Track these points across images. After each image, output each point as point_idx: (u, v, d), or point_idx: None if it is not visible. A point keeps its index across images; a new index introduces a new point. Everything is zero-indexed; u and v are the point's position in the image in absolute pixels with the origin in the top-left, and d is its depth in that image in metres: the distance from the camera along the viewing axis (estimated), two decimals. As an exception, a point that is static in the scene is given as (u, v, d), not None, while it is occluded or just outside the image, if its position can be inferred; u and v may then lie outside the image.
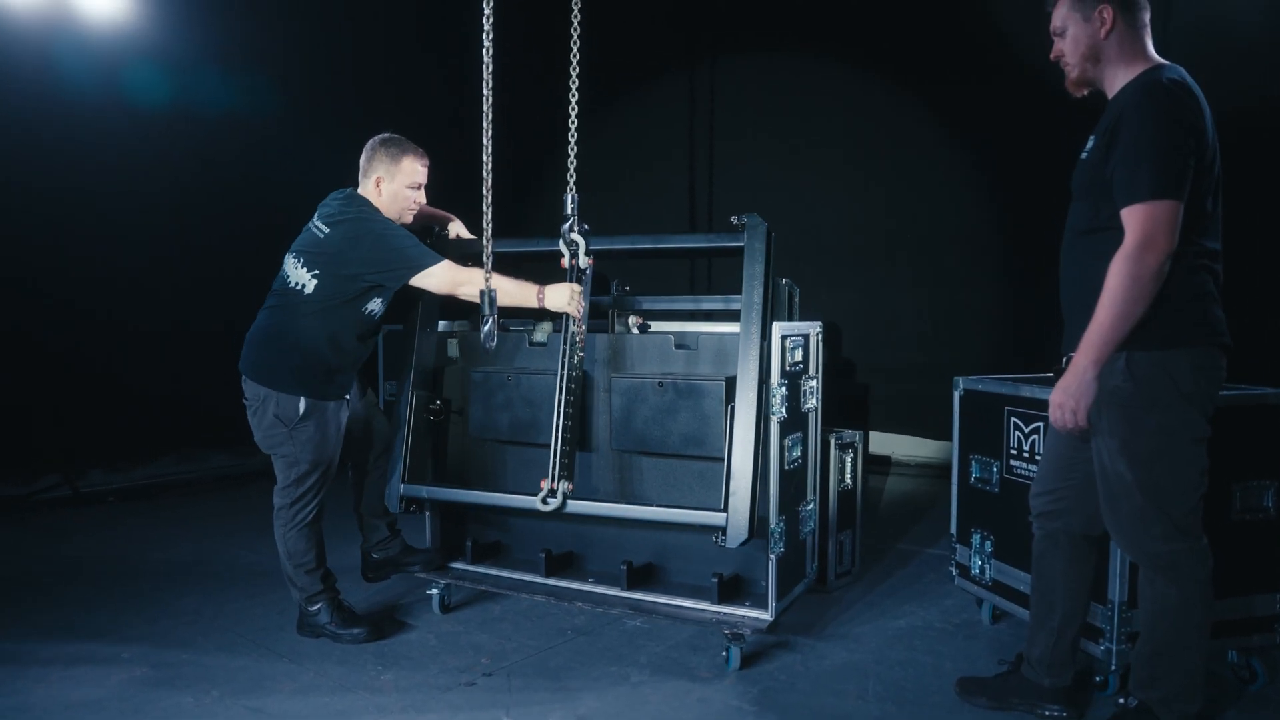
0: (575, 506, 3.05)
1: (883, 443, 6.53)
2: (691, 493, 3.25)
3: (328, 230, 3.03)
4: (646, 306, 3.52)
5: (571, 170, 3.09)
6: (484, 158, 2.83)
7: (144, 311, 5.39)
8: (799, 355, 3.19)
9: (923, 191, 6.19)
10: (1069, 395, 2.15)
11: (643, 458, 3.28)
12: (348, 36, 6.22)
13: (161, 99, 5.30)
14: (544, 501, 3.03)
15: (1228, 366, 2.22)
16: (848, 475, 3.78)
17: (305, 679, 2.87)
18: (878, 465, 6.37)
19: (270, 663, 2.99)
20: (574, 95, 3.09)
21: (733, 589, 3.14)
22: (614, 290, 3.48)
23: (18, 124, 4.87)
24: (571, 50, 3.10)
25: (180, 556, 4.19)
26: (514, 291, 3.04)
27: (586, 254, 3.11)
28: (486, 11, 2.73)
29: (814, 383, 3.33)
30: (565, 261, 3.13)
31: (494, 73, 2.79)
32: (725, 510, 2.82)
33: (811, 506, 3.37)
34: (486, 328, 2.83)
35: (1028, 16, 5.13)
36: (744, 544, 2.81)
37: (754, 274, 2.94)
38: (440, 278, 3.02)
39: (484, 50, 2.76)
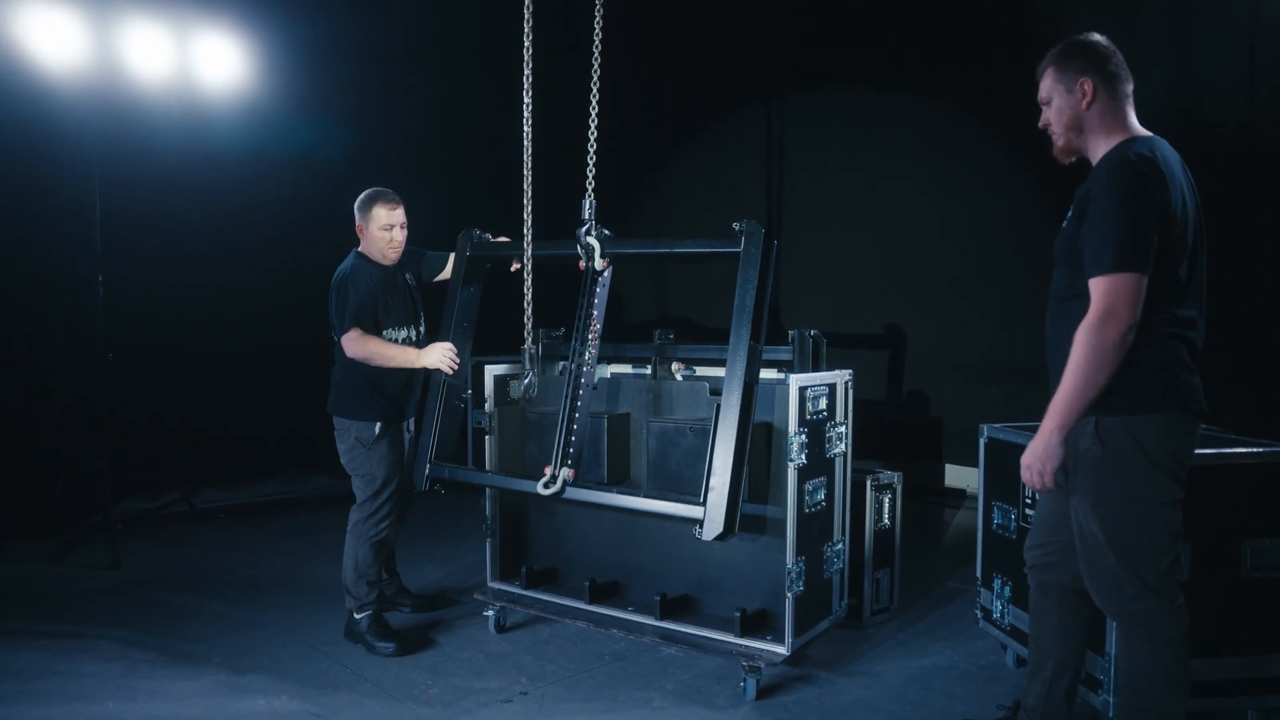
0: (573, 493, 3.21)
1: (957, 476, 6.53)
2: (723, 530, 3.45)
3: None
4: (684, 355, 3.70)
5: (590, 177, 3.27)
6: (525, 187, 3.22)
7: (254, 345, 5.95)
8: (823, 404, 3.35)
9: (998, 224, 6.19)
10: (1036, 458, 2.27)
11: (681, 497, 3.48)
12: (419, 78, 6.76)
13: (271, 149, 5.91)
14: (545, 486, 3.21)
15: (1255, 424, 2.23)
16: (885, 515, 3.90)
17: (363, 689, 3.21)
18: (952, 498, 6.37)
19: (336, 672, 3.35)
20: (594, 108, 3.28)
21: (758, 623, 3.31)
22: (657, 338, 3.70)
23: (159, 176, 5.55)
24: (592, 66, 3.31)
25: (276, 570, 4.65)
26: (397, 356, 3.54)
27: (602, 256, 3.31)
28: (527, 28, 3.11)
29: (842, 429, 3.48)
30: (582, 264, 3.33)
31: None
32: (704, 505, 2.92)
33: (840, 547, 3.51)
34: (526, 381, 3.14)
35: (1128, 44, 5.16)
36: (719, 538, 2.88)
37: (749, 277, 3.02)
38: (345, 342, 3.52)
39: (524, 90, 3.12)
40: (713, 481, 2.92)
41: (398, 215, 3.65)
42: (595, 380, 3.42)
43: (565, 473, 3.22)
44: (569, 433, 3.27)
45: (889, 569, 3.92)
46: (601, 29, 3.32)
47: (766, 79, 7.27)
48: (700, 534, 2.91)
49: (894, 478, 3.93)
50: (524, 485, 3.35)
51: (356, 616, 3.56)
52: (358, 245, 3.71)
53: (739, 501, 2.94)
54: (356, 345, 3.50)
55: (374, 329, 3.56)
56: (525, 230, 3.28)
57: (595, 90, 3.32)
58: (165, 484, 5.71)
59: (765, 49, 7.18)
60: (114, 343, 4.96)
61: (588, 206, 3.31)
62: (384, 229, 3.62)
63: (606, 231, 3.33)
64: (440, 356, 3.52)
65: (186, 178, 5.64)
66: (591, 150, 3.26)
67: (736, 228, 3.09)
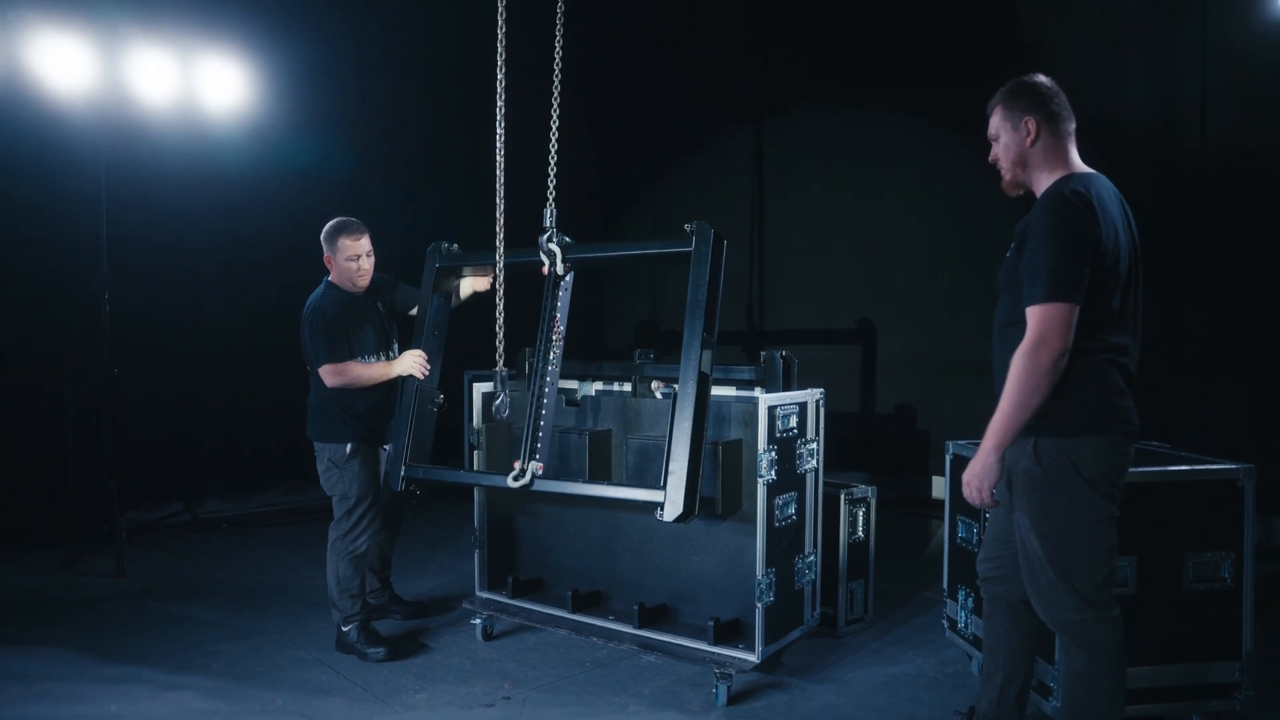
0: (541, 485, 3.33)
1: (945, 488, 6.64)
2: (699, 542, 3.60)
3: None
4: (663, 374, 3.82)
5: (551, 187, 3.43)
6: (498, 201, 3.40)
7: (256, 360, 6.11)
8: (793, 422, 3.49)
9: (988, 239, 6.31)
10: (975, 475, 2.41)
11: (657, 509, 3.64)
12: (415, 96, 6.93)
13: (273, 168, 6.11)
14: (514, 479, 3.33)
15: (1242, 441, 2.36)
16: (860, 528, 4.04)
17: (354, 694, 3.37)
18: (938, 510, 6.46)
19: (329, 679, 3.51)
20: (555, 119, 3.46)
21: (731, 632, 3.45)
22: (638, 357, 3.85)
23: (164, 196, 5.74)
24: (553, 82, 3.49)
25: (275, 579, 4.81)
26: (374, 373, 3.72)
27: (564, 261, 3.47)
28: (500, 61, 3.34)
29: (813, 446, 3.63)
30: (545, 269, 3.50)
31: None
32: (664, 489, 3.04)
33: (812, 559, 3.65)
34: (498, 401, 3.29)
35: (1099, 68, 5.29)
36: (680, 519, 2.99)
37: (700, 274, 3.15)
38: (324, 373, 3.69)
39: (497, 120, 3.33)
40: (672, 466, 3.05)
41: (363, 244, 3.79)
42: (560, 383, 3.57)
43: (534, 466, 3.36)
44: (536, 429, 3.41)
45: (864, 580, 4.06)
46: (562, 44, 3.50)
47: (758, 97, 7.43)
48: (661, 516, 3.04)
49: (868, 492, 4.07)
50: (494, 480, 3.50)
51: (344, 629, 3.72)
52: (328, 275, 3.86)
53: (698, 484, 3.07)
54: (334, 377, 3.67)
55: (347, 357, 3.71)
56: (499, 248, 3.46)
57: (556, 105, 3.49)
58: (169, 495, 5.89)
59: (756, 68, 7.34)
60: (120, 358, 5.14)
61: (549, 215, 3.47)
62: (350, 259, 3.76)
63: (568, 239, 3.50)
64: (411, 363, 3.71)
65: (191, 198, 5.83)
66: (552, 162, 3.44)
67: (688, 228, 3.23)
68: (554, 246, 3.46)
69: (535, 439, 3.39)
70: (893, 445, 6.86)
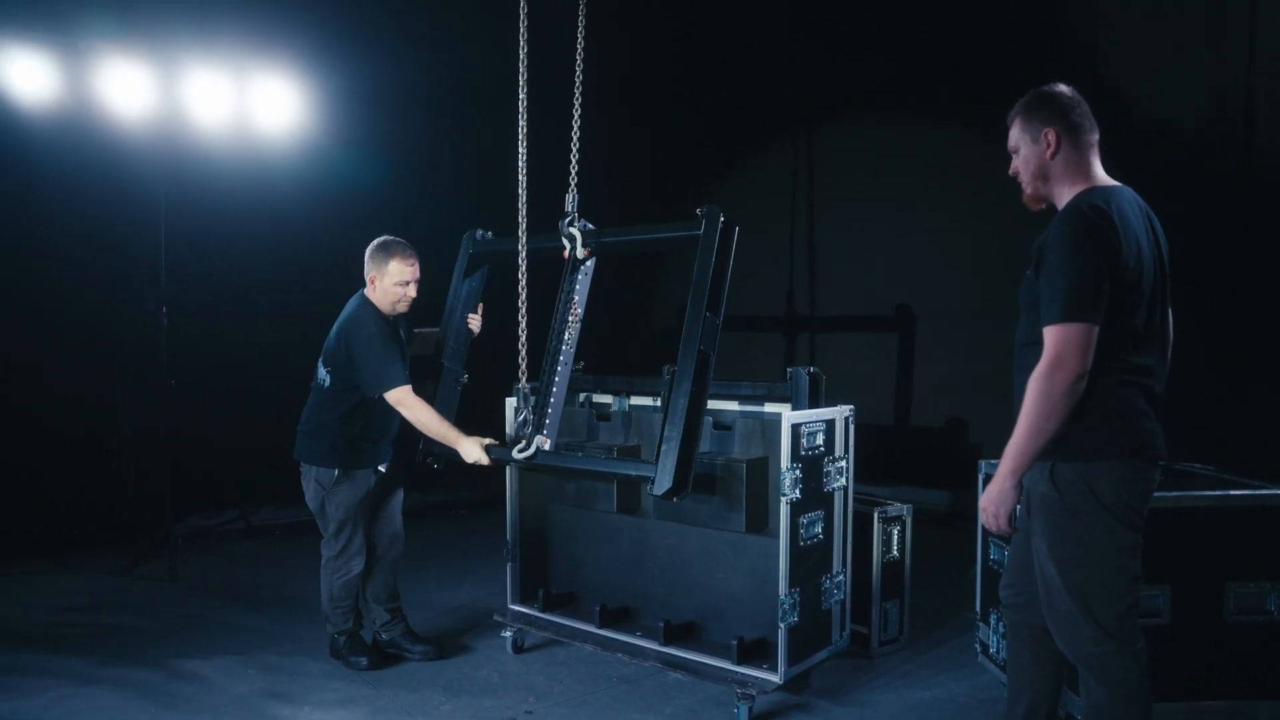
0: (544, 458, 3.41)
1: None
2: (726, 560, 3.57)
3: (334, 333, 3.69)
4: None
5: (573, 174, 3.49)
6: (520, 207, 3.47)
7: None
8: (819, 440, 3.44)
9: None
10: (990, 501, 2.34)
11: (685, 527, 3.62)
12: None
13: (324, 186, 6.28)
14: (519, 451, 3.38)
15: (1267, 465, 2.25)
16: (894, 547, 3.95)
17: (381, 702, 3.43)
18: (991, 527, 6.31)
19: (359, 687, 3.57)
20: (576, 111, 3.53)
21: (755, 651, 3.41)
22: (666, 373, 3.83)
23: (220, 214, 5.96)
24: (575, 79, 3.57)
25: (318, 585, 4.90)
26: (439, 432, 3.52)
27: (584, 245, 3.51)
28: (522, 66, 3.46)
29: (841, 464, 3.56)
30: (566, 253, 3.55)
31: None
32: (655, 462, 3.08)
33: (841, 578, 3.59)
34: (520, 419, 3.32)
35: (1149, 77, 5.12)
36: (669, 493, 3.01)
37: (707, 256, 3.16)
38: (394, 398, 3.52)
39: (519, 118, 3.43)
40: (665, 441, 3.07)
41: (415, 271, 3.66)
42: (595, 396, 3.68)
43: (539, 440, 3.39)
44: (545, 404, 3.45)
45: (898, 600, 3.97)
46: (584, 40, 3.59)
47: (801, 105, 7.38)
48: (651, 490, 3.06)
49: (903, 510, 3.99)
50: (501, 454, 3.53)
51: (336, 638, 3.81)
52: (363, 290, 3.73)
53: (691, 461, 3.07)
54: (407, 407, 3.53)
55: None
56: (520, 240, 3.50)
57: (578, 94, 3.56)
58: (227, 502, 6.10)
59: (800, 79, 7.30)
60: (177, 370, 5.30)
61: (570, 200, 3.52)
62: (400, 284, 3.63)
63: (590, 225, 3.53)
64: (477, 455, 3.49)
65: (245, 215, 6.02)
66: (574, 149, 3.50)
67: (699, 212, 3.25)
68: (574, 230, 3.52)
69: (544, 414, 3.44)
70: (944, 457, 6.73)
